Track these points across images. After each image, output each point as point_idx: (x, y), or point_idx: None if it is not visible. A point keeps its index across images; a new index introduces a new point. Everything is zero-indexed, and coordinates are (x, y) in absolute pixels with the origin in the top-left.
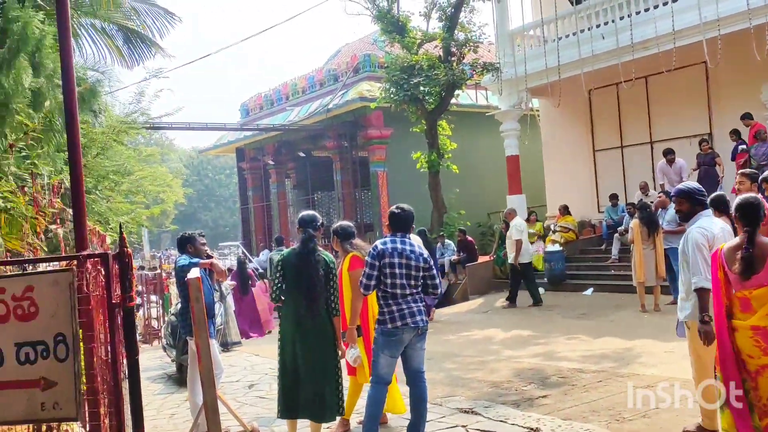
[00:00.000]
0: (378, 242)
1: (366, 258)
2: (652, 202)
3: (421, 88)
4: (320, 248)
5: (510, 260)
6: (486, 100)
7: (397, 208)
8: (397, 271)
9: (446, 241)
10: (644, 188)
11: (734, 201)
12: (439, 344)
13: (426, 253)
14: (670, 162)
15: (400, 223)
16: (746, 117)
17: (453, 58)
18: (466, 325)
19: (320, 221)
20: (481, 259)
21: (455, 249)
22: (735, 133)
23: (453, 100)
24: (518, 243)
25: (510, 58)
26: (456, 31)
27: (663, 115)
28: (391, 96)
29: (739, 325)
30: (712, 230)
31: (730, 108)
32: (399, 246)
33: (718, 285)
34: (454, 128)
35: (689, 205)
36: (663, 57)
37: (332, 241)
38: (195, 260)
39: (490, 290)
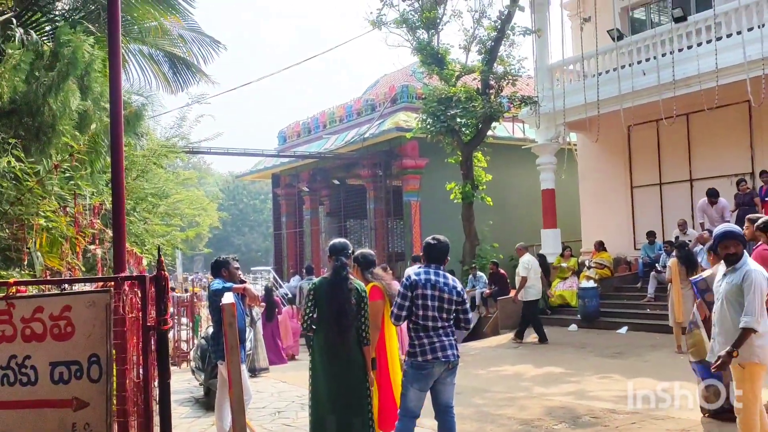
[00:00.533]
0: (412, 273)
1: (399, 288)
2: (690, 241)
3: (458, 120)
4: (352, 277)
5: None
6: (523, 133)
7: (433, 239)
8: (429, 303)
9: (478, 273)
10: (682, 226)
11: None
12: (469, 379)
13: (459, 286)
14: (712, 203)
15: (435, 254)
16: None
17: (491, 91)
18: (496, 360)
19: (351, 249)
20: (513, 292)
21: (487, 282)
22: (767, 174)
23: (489, 132)
24: (523, 280)
25: (549, 92)
26: (495, 65)
27: (703, 153)
28: (428, 127)
29: None
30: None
31: None
32: (433, 277)
33: None
34: (490, 160)
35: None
36: (705, 95)
37: (352, 269)
38: (229, 285)
39: (505, 328)
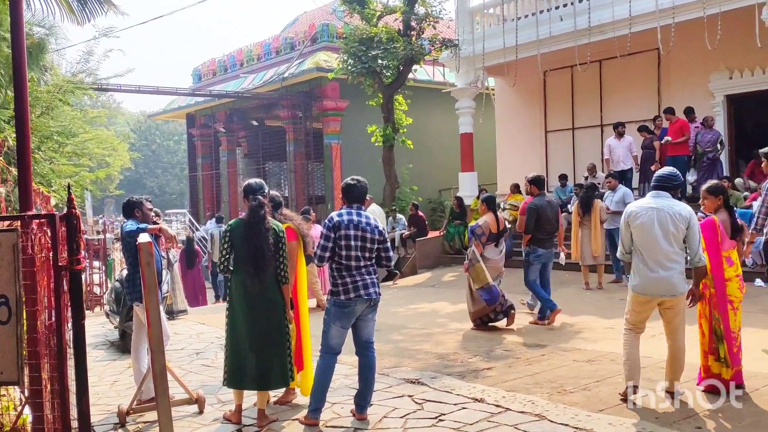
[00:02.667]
0: (334, 214)
1: (321, 230)
2: (599, 184)
3: (379, 61)
4: (269, 217)
5: None
6: (443, 76)
7: (351, 179)
8: (352, 243)
9: (398, 215)
10: (592, 170)
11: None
12: (388, 316)
13: (381, 226)
14: (620, 135)
15: (355, 195)
16: (668, 112)
17: (412, 33)
18: (415, 298)
19: (267, 189)
20: (431, 234)
21: (406, 224)
22: (644, 129)
23: (410, 75)
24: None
25: (469, 36)
26: (416, 6)
27: (614, 98)
28: (349, 67)
29: (731, 275)
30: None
31: (679, 94)
32: (355, 218)
33: (719, 249)
34: (411, 103)
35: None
36: (618, 42)
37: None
38: (143, 225)
39: (439, 265)
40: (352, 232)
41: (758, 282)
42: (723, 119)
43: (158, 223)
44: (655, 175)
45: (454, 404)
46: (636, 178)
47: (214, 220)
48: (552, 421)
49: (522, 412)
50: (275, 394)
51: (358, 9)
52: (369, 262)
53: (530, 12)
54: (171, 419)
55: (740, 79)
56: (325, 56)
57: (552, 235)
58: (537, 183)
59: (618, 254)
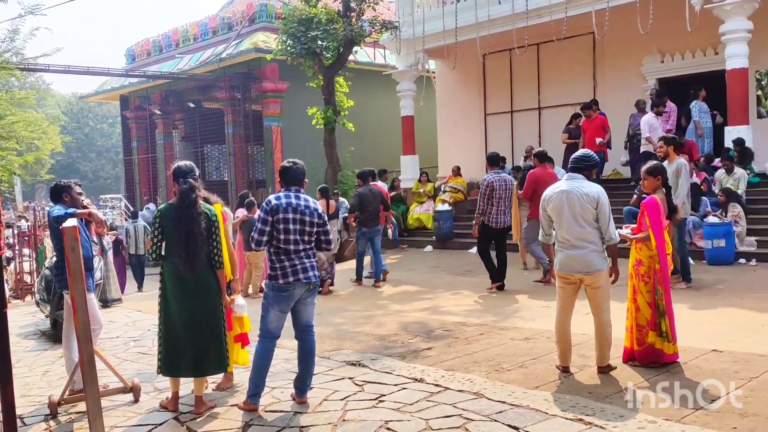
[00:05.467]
0: (272, 197)
1: (258, 213)
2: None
3: (319, 42)
4: (201, 201)
5: None
6: (384, 59)
7: (288, 162)
8: (291, 226)
9: (340, 198)
10: (529, 152)
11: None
12: (329, 299)
13: (320, 208)
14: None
15: (292, 178)
16: (587, 107)
17: (352, 14)
18: (369, 280)
19: (198, 172)
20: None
21: (348, 207)
22: (578, 117)
23: (351, 57)
24: None
25: (409, 18)
26: None
27: (551, 82)
28: (288, 48)
29: (668, 250)
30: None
31: (612, 78)
32: (293, 201)
33: (662, 227)
34: (352, 86)
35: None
36: (555, 26)
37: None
38: (71, 210)
39: (381, 248)
40: (290, 216)
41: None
42: None
43: (88, 208)
44: (571, 157)
45: (395, 385)
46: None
47: (152, 204)
48: (489, 399)
49: (460, 391)
50: (214, 381)
51: None
52: (308, 246)
53: None
54: (100, 409)
55: (671, 62)
56: (264, 37)
57: (375, 216)
58: (491, 160)
59: (540, 237)
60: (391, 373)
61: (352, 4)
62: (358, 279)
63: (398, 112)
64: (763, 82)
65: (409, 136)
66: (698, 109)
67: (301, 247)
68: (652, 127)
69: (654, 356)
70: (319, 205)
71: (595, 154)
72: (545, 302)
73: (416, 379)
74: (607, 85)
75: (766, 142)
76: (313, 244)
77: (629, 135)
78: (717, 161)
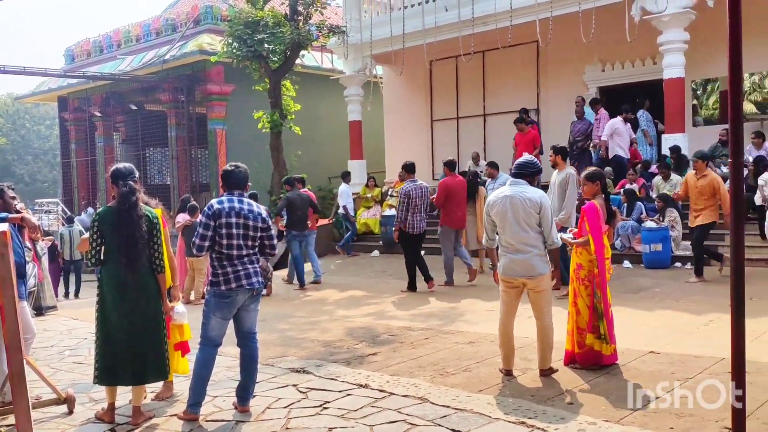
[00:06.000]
0: (214, 201)
1: (200, 217)
2: (481, 172)
3: (266, 45)
4: (141, 203)
5: None
6: (331, 63)
7: (230, 165)
8: (234, 231)
9: None
10: (476, 159)
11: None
12: (274, 305)
13: (264, 213)
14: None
15: (234, 182)
16: (521, 121)
17: (299, 18)
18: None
19: (137, 174)
20: (320, 222)
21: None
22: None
23: (298, 61)
24: None
25: (356, 23)
26: None
27: (496, 89)
28: (233, 51)
29: (607, 255)
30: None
31: (555, 86)
32: (237, 205)
33: (602, 231)
34: (299, 89)
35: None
36: (500, 33)
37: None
38: (2, 215)
39: (328, 253)
40: (233, 220)
41: (626, 263)
42: None
43: (21, 212)
44: (514, 163)
45: (339, 391)
46: None
47: (90, 208)
48: (434, 404)
49: (405, 396)
50: (152, 390)
51: None
52: (251, 251)
53: (417, 2)
54: (30, 422)
55: (612, 71)
56: (209, 39)
57: (303, 220)
58: (407, 168)
59: (483, 241)
60: (335, 380)
61: (300, 8)
62: (301, 286)
63: (346, 116)
64: (698, 92)
65: (356, 141)
66: (645, 118)
67: (244, 252)
68: (617, 131)
69: (594, 358)
70: (263, 209)
71: (537, 161)
72: (489, 305)
73: (361, 385)
74: (550, 93)
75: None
76: (256, 250)
77: (569, 142)
78: (654, 167)
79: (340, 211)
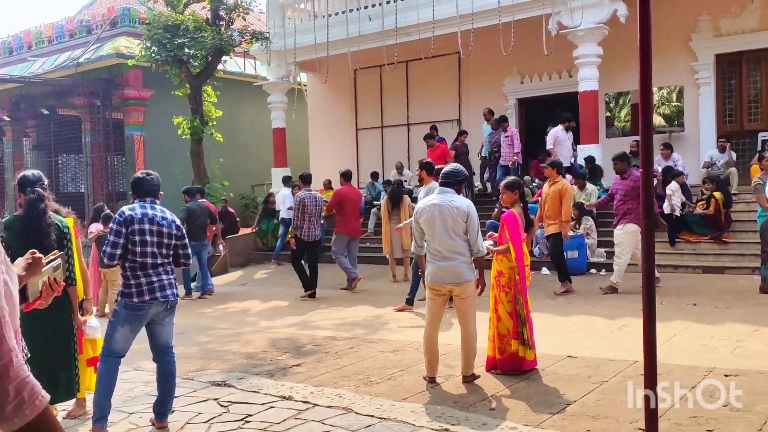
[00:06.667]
0: (125, 207)
1: (111, 224)
2: (405, 180)
3: (186, 50)
4: (51, 212)
5: None
6: (255, 69)
7: (141, 173)
8: (148, 239)
9: None
10: (399, 168)
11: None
12: (194, 318)
13: (178, 221)
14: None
15: (145, 189)
16: (430, 137)
17: (221, 23)
18: (224, 297)
19: (46, 182)
20: (243, 231)
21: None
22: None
23: (220, 66)
24: None
25: (280, 30)
26: None
27: (419, 99)
28: (152, 55)
29: (527, 262)
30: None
31: (476, 97)
32: (150, 212)
33: (521, 239)
34: (221, 95)
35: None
36: (423, 44)
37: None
38: None
39: (251, 262)
40: (147, 227)
41: (545, 270)
42: (515, 121)
43: None
44: (441, 172)
45: (262, 404)
46: None
47: None
48: (358, 413)
49: (329, 407)
50: (64, 408)
51: None
52: (166, 260)
53: (341, 10)
54: None
55: (530, 84)
56: (127, 42)
57: (202, 230)
58: (303, 179)
59: (412, 248)
60: (258, 392)
61: (222, 13)
62: (188, 293)
63: (270, 123)
64: (611, 104)
65: (280, 149)
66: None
67: (159, 261)
68: (559, 140)
69: (515, 364)
70: (176, 217)
71: (464, 169)
72: (413, 313)
73: (284, 397)
74: (471, 104)
75: None
76: (171, 259)
77: (490, 152)
78: (569, 178)
79: (284, 215)
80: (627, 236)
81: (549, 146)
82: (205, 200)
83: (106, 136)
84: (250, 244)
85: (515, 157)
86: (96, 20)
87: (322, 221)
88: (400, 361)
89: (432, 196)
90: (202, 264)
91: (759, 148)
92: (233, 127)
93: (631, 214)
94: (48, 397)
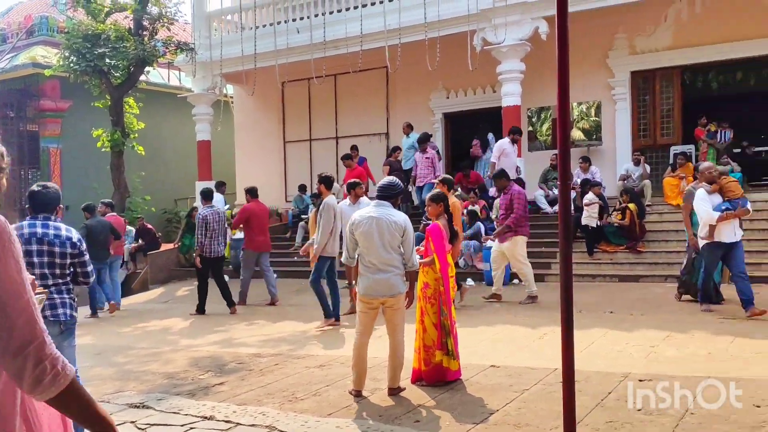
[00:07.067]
0: (12, 226)
1: None
2: (334, 194)
3: (107, 60)
4: None
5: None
6: (179, 81)
7: (38, 185)
8: (36, 260)
9: (127, 227)
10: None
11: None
12: (112, 337)
13: (76, 236)
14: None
15: (40, 203)
16: (348, 158)
17: (145, 33)
18: (144, 316)
19: None
20: (166, 246)
21: (134, 236)
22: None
23: (143, 77)
24: None
25: (206, 41)
26: (149, 5)
27: (348, 112)
28: (71, 65)
29: (451, 273)
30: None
31: (403, 111)
32: (40, 230)
33: (446, 251)
34: (143, 107)
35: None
36: (351, 58)
37: None
38: None
39: (172, 279)
40: (34, 247)
41: (469, 281)
42: (441, 135)
43: None
44: (377, 185)
45: (182, 425)
46: None
47: None
48: (282, 431)
49: (253, 425)
50: None
51: (83, 3)
52: (60, 280)
53: (269, 22)
54: None
55: (456, 98)
56: (44, 51)
57: (103, 247)
58: (204, 195)
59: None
60: (178, 413)
61: (145, 23)
62: (93, 314)
63: (194, 136)
64: (534, 119)
65: (205, 162)
66: (493, 140)
67: (50, 282)
68: (505, 152)
69: (440, 375)
70: (74, 233)
71: (400, 183)
72: (341, 327)
73: (206, 417)
74: (398, 118)
75: (537, 173)
76: (68, 278)
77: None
78: (492, 190)
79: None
80: (516, 249)
81: (494, 159)
82: (114, 214)
83: (20, 148)
84: (173, 260)
85: (431, 177)
86: (12, 28)
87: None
88: (326, 377)
89: (369, 209)
90: (113, 279)
91: (671, 161)
92: (156, 140)
93: (519, 227)
94: (74, 368)
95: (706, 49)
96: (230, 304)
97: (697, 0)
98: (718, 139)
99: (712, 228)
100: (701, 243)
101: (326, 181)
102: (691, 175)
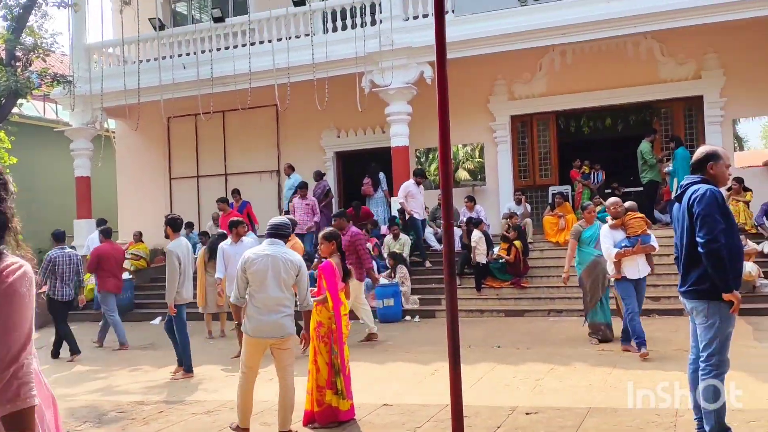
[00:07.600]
0: None
1: None
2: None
3: None
4: None
5: None
6: (56, 114)
7: None
8: None
9: None
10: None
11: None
12: None
13: None
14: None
15: None
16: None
17: (18, 63)
18: None
19: None
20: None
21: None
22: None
23: (15, 110)
24: None
25: (85, 73)
26: (23, 35)
27: (237, 149)
28: None
29: (344, 311)
30: None
31: (295, 149)
32: None
33: (337, 286)
34: (15, 141)
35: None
36: (240, 95)
37: None
38: None
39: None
40: None
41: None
42: (333, 173)
43: None
44: (268, 224)
45: None
46: None
47: None
48: None
49: None
50: None
51: None
52: None
53: (153, 57)
54: None
55: (347, 138)
56: None
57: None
58: (56, 237)
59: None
60: None
61: (18, 53)
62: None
63: (73, 171)
64: (422, 159)
65: (84, 198)
66: (384, 179)
67: None
68: (411, 194)
69: (332, 416)
70: None
71: (290, 222)
72: (230, 370)
73: None
74: (290, 156)
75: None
76: None
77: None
78: (384, 228)
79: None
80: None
81: (400, 200)
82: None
83: None
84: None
85: (311, 224)
86: None
87: (131, 276)
88: (214, 423)
89: (262, 247)
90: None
91: (550, 200)
92: (30, 176)
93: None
94: (38, 401)
95: (577, 96)
96: (71, 350)
97: (569, 51)
98: (592, 180)
99: (617, 264)
100: (612, 280)
101: (172, 223)
102: (569, 213)
